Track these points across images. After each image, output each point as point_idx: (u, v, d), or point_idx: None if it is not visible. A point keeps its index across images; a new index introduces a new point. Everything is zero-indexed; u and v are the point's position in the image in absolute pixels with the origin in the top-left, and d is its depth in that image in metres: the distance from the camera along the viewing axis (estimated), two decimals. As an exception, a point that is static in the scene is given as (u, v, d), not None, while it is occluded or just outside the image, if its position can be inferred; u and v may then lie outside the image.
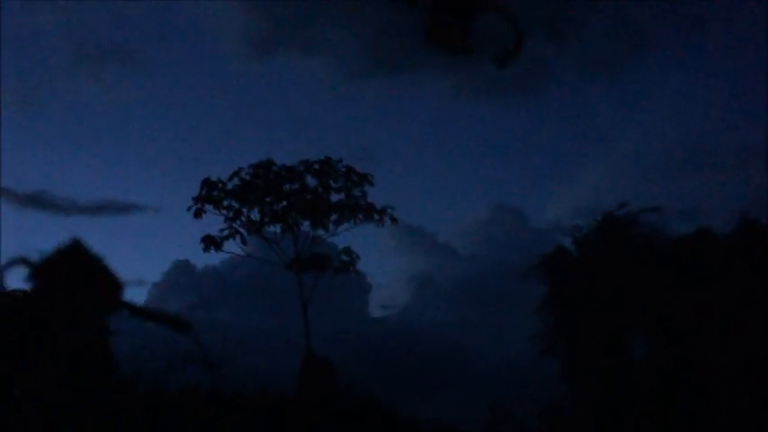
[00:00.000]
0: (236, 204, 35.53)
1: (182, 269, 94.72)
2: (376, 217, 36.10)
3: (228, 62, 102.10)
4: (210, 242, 35.33)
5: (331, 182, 36.16)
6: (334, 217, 35.91)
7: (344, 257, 36.91)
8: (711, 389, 27.27)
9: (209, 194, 35.36)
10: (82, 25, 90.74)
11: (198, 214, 35.28)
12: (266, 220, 35.70)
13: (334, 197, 36.26)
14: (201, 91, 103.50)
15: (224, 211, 35.49)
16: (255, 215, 35.75)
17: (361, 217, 36.02)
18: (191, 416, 31.17)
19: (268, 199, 35.70)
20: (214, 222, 35.99)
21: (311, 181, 36.30)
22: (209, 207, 35.51)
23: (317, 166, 36.15)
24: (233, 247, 36.07)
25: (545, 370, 32.96)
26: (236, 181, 35.68)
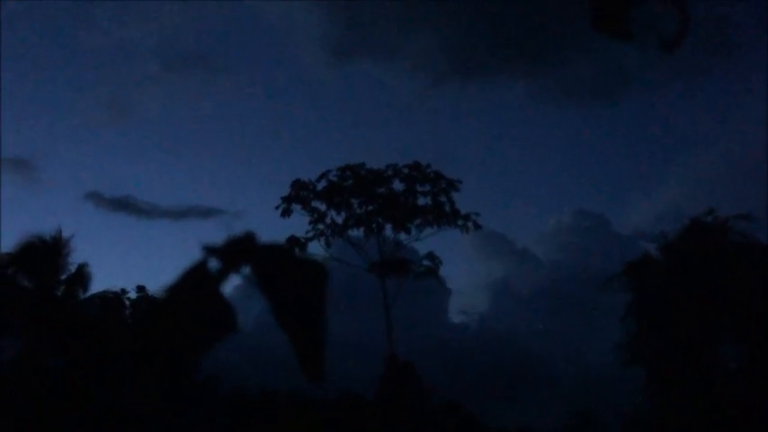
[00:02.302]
0: (322, 206, 36.07)
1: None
2: (460, 222, 36.15)
3: (309, 68, 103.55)
4: (295, 243, 35.93)
5: (418, 186, 36.58)
6: (418, 221, 36.06)
7: (427, 262, 37.07)
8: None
9: (299, 195, 35.96)
10: (168, 35, 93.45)
11: (286, 213, 35.95)
12: (350, 222, 36.12)
13: (420, 201, 36.50)
14: (283, 97, 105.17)
15: (310, 213, 36.10)
16: (340, 218, 36.23)
17: (445, 222, 36.11)
18: (272, 417, 31.61)
19: (354, 201, 36.15)
20: (296, 226, 36.66)
21: (398, 185, 36.75)
22: (296, 207, 36.22)
23: (405, 171, 36.56)
24: (316, 249, 36.65)
25: (628, 380, 32.32)
26: (324, 182, 36.25)
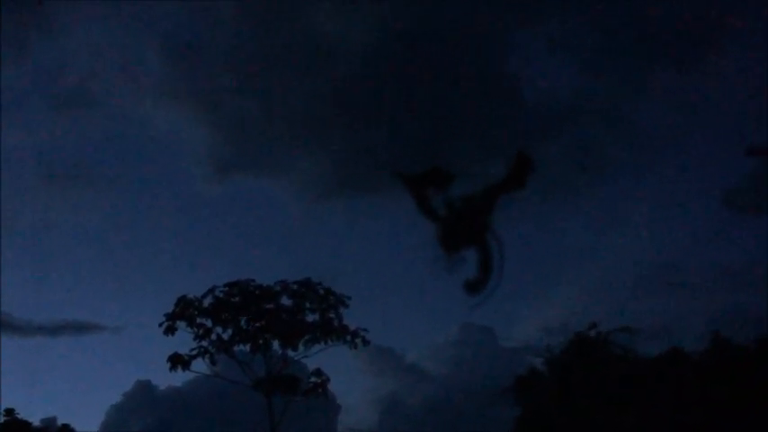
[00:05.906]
0: (208, 323, 35.18)
1: (143, 390, 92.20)
2: (349, 339, 35.92)
3: (195, 182, 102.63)
4: (178, 361, 34.72)
5: (307, 303, 36.22)
6: (306, 337, 35.59)
7: (315, 379, 36.42)
8: None
9: (184, 312, 35.03)
10: (49, 145, 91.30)
11: (170, 330, 34.83)
12: (237, 338, 35.30)
13: (309, 317, 36.15)
14: (167, 211, 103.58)
15: (195, 329, 35.10)
16: (227, 334, 35.38)
17: (334, 338, 35.81)
18: None
19: (242, 318, 35.44)
20: (179, 342, 35.39)
21: (286, 301, 36.28)
22: (180, 324, 35.16)
23: (295, 287, 36.12)
24: (201, 366, 35.50)
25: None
26: (210, 299, 35.49)
